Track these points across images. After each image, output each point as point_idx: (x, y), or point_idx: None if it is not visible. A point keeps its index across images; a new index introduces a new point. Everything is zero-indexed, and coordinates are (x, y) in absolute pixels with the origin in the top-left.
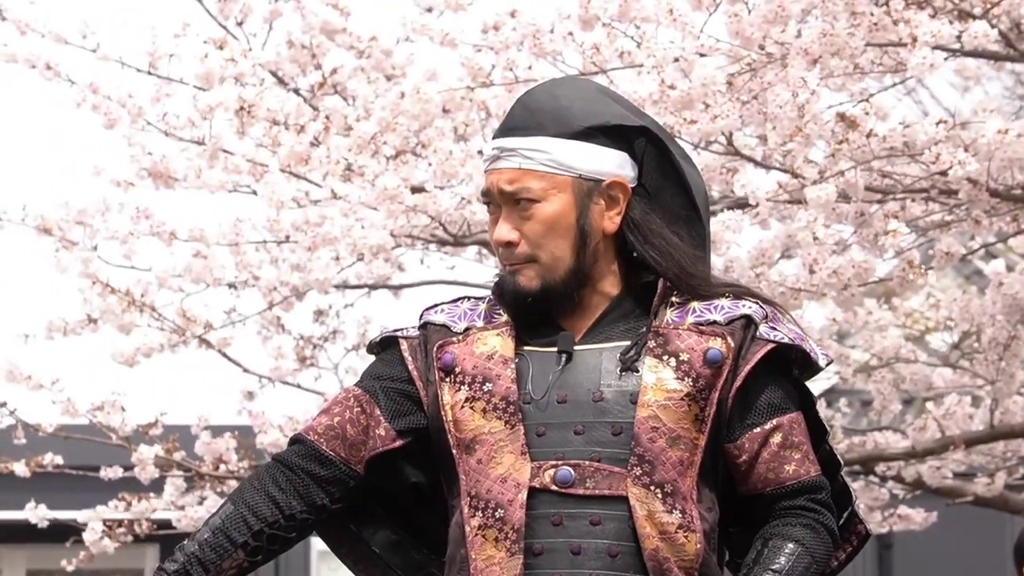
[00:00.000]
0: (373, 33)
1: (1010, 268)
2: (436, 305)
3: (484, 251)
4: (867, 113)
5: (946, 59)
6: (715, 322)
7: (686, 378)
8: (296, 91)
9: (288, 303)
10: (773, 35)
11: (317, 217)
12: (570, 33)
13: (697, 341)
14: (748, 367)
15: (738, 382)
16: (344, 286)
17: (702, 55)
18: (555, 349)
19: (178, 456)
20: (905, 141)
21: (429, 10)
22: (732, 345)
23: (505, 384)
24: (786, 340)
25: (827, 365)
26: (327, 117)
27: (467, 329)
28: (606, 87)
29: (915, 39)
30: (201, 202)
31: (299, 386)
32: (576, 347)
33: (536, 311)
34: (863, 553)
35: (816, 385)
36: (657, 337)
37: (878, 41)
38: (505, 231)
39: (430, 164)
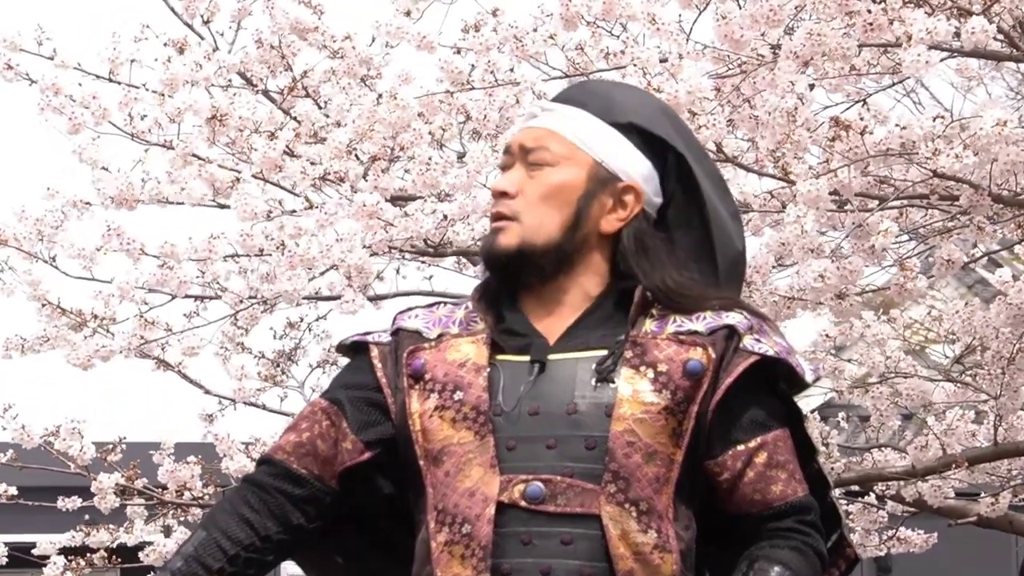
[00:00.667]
0: (347, 32)
1: (1015, 277)
2: (410, 309)
3: (463, 260)
4: (862, 118)
5: (943, 59)
6: (696, 332)
7: (664, 390)
8: (266, 93)
9: (254, 315)
10: (767, 37)
11: (292, 229)
12: (551, 36)
13: (676, 351)
14: (729, 379)
15: (718, 395)
16: (315, 297)
17: (681, 56)
18: (527, 358)
19: (139, 484)
20: (902, 142)
21: (408, 14)
22: (713, 356)
23: (476, 393)
24: (771, 353)
25: (815, 381)
26: (297, 120)
27: (440, 336)
28: (672, 109)
29: (909, 37)
30: (167, 215)
31: (264, 407)
32: (550, 356)
33: (512, 280)
34: None
35: (811, 400)
36: (635, 347)
37: (875, 41)
38: (506, 182)
39: (407, 171)
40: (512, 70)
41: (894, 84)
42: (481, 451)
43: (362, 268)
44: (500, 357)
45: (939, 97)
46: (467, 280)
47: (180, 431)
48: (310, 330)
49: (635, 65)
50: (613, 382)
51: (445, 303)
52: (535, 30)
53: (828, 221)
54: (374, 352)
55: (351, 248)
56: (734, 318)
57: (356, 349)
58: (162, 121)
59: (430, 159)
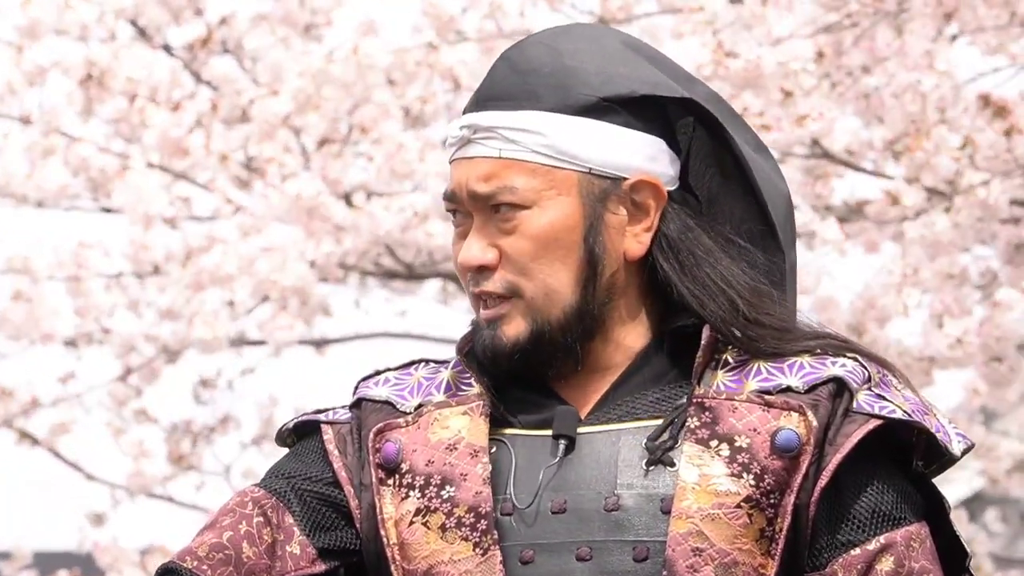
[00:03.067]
0: None
1: None
2: (377, 373)
3: (451, 287)
4: None
5: None
6: (789, 389)
7: (745, 474)
8: (167, 49)
9: (153, 368)
10: None
11: (203, 239)
12: None
13: (762, 418)
14: (840, 456)
15: (824, 479)
16: (241, 342)
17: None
18: (549, 433)
19: None
20: None
21: None
22: (814, 424)
23: (474, 487)
24: (899, 414)
25: (964, 453)
26: (214, 87)
27: (420, 406)
28: (636, 40)
29: None
30: (27, 216)
31: (171, 500)
32: (581, 428)
33: (523, 372)
34: None
35: (952, 490)
36: (702, 412)
37: None
38: (477, 250)
39: (371, 159)
40: (523, 14)
41: None
42: (485, 570)
43: (304, 292)
44: (508, 431)
45: None
46: (457, 315)
47: (48, 534)
48: (231, 388)
49: (700, 11)
50: (672, 464)
51: (427, 362)
52: None
53: (983, 229)
54: (327, 435)
55: (285, 264)
56: (843, 367)
57: (301, 433)
58: (16, 84)
59: (401, 145)
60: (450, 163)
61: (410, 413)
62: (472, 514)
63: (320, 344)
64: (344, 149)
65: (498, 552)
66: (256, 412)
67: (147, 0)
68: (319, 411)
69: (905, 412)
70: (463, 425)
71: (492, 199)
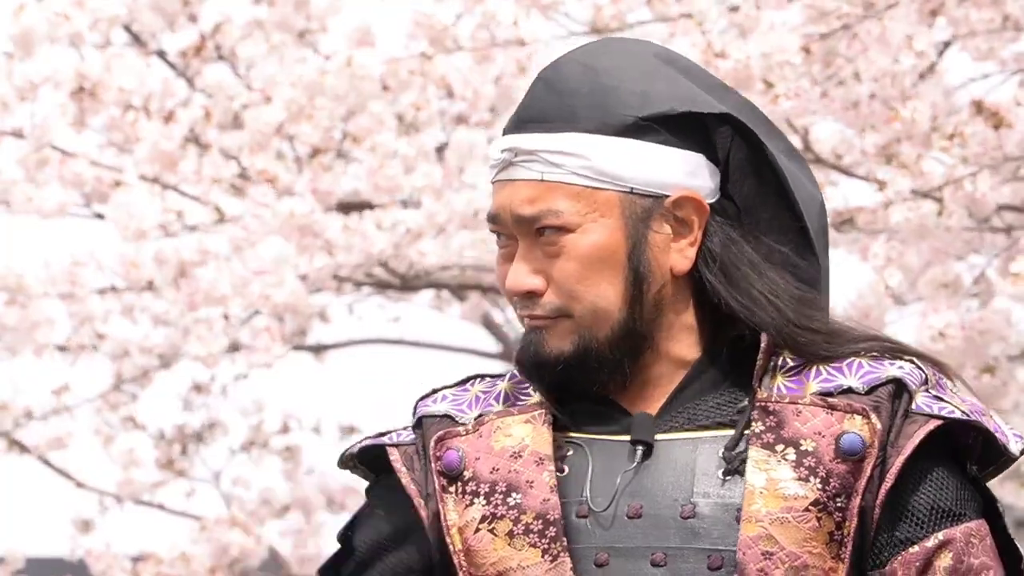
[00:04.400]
0: None
1: None
2: (436, 391)
3: (445, 294)
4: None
5: None
6: (850, 390)
7: (812, 478)
8: (161, 55)
9: (146, 375)
10: None
11: (195, 253)
12: None
13: (826, 421)
14: (903, 458)
15: (889, 482)
16: (235, 348)
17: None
18: (627, 438)
19: None
20: None
21: None
22: (878, 427)
23: (541, 495)
24: (958, 415)
25: (1023, 452)
26: (208, 94)
27: (480, 417)
28: (672, 53)
29: None
30: (19, 229)
31: (162, 507)
32: (658, 436)
33: (573, 386)
34: None
35: None
36: (766, 416)
37: None
38: (523, 275)
39: (362, 162)
40: (516, 23)
41: None
42: (555, 575)
43: (296, 308)
44: (580, 435)
45: None
46: (450, 321)
47: (39, 541)
48: (224, 394)
49: (689, 18)
50: (744, 472)
51: (482, 377)
52: None
53: (966, 245)
54: (393, 455)
55: (280, 280)
56: (901, 368)
57: (366, 457)
58: (8, 99)
59: (395, 152)
60: (493, 184)
61: (470, 423)
62: (540, 521)
63: (315, 350)
64: (337, 158)
65: (567, 559)
66: (244, 418)
67: (141, 6)
68: (381, 434)
69: (963, 412)
70: (526, 433)
71: (537, 222)
